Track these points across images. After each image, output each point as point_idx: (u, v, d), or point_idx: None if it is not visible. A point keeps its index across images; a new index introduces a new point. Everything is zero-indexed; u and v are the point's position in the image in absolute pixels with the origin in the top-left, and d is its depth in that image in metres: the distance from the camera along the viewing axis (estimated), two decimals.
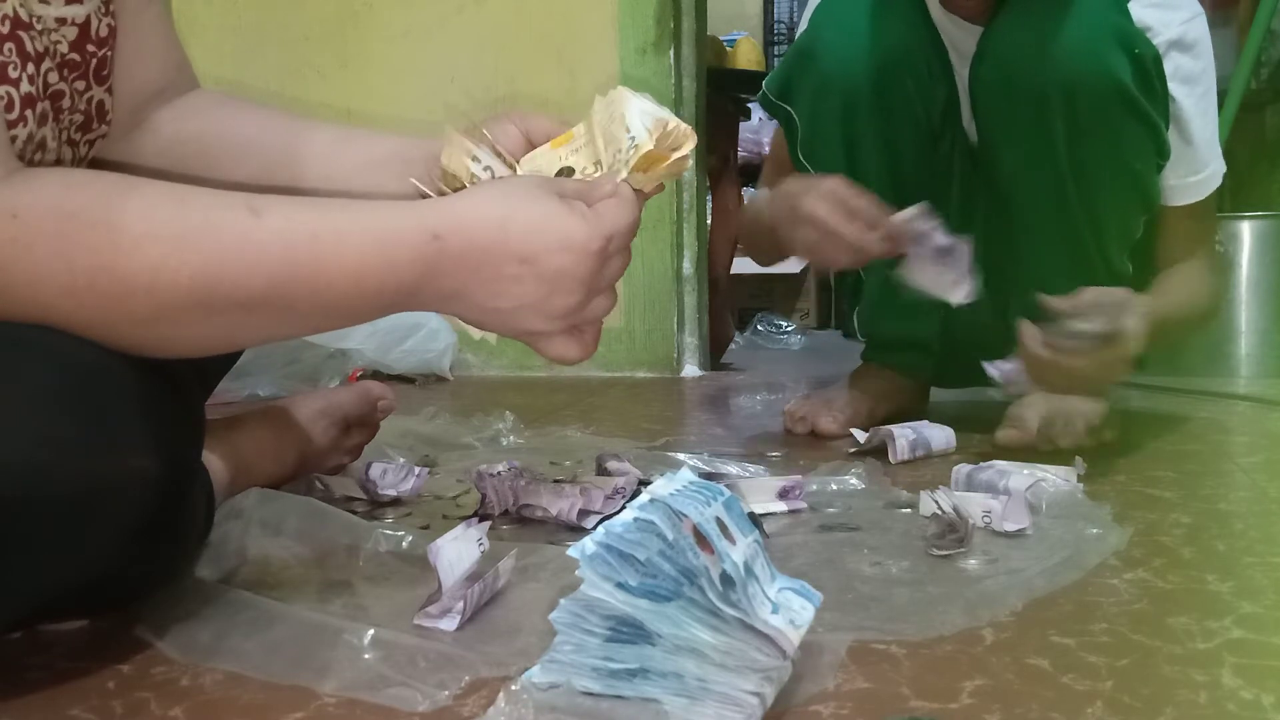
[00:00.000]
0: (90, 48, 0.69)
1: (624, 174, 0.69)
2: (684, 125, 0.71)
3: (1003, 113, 1.22)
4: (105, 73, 0.71)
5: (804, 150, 1.31)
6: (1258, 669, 0.58)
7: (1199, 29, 1.21)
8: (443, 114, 2.19)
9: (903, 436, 1.16)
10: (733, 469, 1.06)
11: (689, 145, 0.71)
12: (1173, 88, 1.19)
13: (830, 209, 1.11)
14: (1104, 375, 1.10)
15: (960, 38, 1.25)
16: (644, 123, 0.70)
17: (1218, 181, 1.26)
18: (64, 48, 0.66)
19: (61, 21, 0.66)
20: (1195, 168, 1.24)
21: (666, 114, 0.71)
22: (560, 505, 0.89)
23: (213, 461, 0.81)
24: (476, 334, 0.71)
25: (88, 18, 0.68)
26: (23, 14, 0.61)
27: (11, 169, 0.56)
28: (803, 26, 1.35)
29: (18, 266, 0.54)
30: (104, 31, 0.70)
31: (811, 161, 1.31)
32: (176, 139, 0.78)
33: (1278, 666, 0.59)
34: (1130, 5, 1.18)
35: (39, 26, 0.63)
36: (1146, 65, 1.16)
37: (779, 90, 1.32)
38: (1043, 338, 1.06)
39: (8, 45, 0.60)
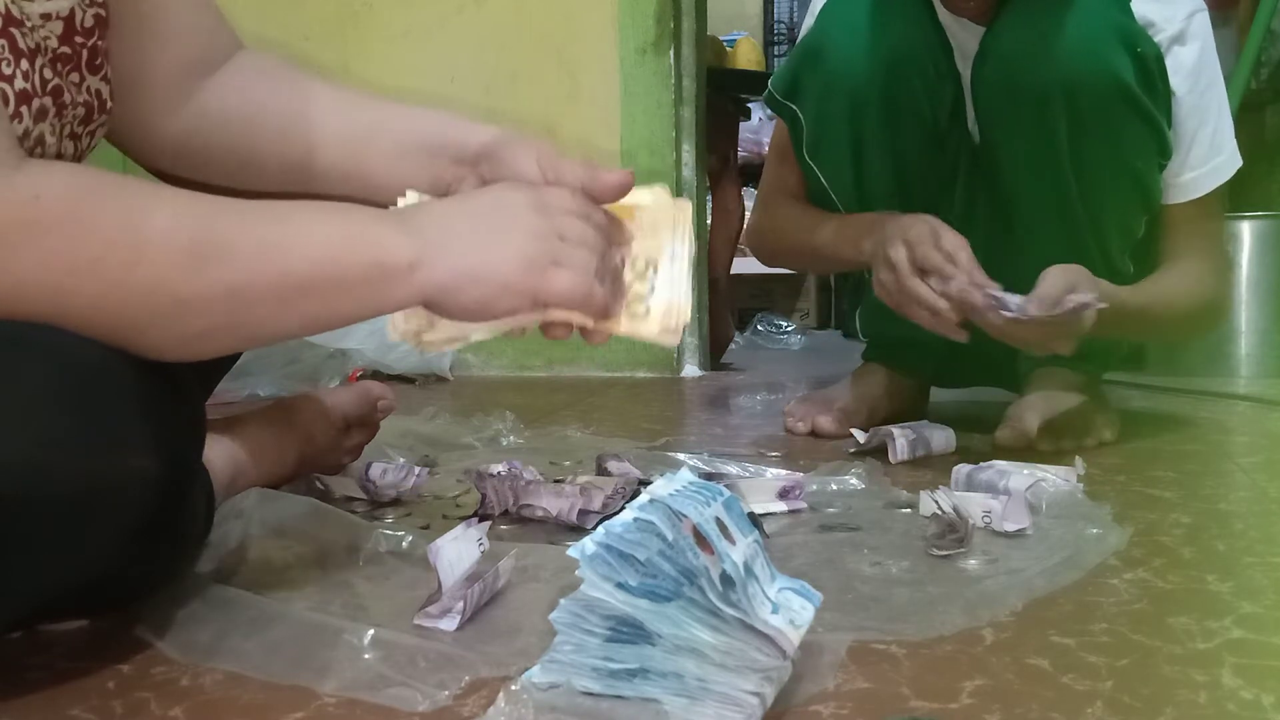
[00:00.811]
0: (78, 39, 0.68)
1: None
2: (685, 315, 0.71)
3: (1004, 112, 1.22)
4: (98, 62, 0.71)
5: (810, 149, 1.31)
6: (1258, 669, 0.58)
7: (1201, 24, 1.20)
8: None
9: (903, 436, 1.16)
10: (733, 469, 1.06)
11: (674, 339, 0.72)
12: (1175, 83, 1.19)
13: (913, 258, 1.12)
14: (1048, 340, 1.09)
15: (964, 38, 1.25)
16: (670, 282, 0.72)
17: (1220, 178, 1.25)
18: (53, 43, 0.66)
19: (46, 17, 0.65)
20: (1191, 165, 1.24)
21: (686, 286, 0.72)
22: (560, 505, 0.89)
23: (213, 461, 0.81)
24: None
25: (71, 10, 0.67)
26: (14, 11, 0.61)
27: (23, 158, 0.57)
28: (806, 26, 1.35)
29: (33, 247, 0.54)
30: (89, 22, 0.69)
31: (817, 161, 1.31)
32: (222, 119, 0.80)
33: (1278, 666, 0.59)
34: (1133, 1, 1.18)
35: (29, 24, 0.63)
36: (1148, 64, 1.16)
37: (785, 89, 1.32)
38: (998, 316, 1.07)
39: (0, 42, 0.60)
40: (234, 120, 0.80)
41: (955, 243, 1.12)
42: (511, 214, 0.67)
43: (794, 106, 1.31)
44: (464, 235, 0.65)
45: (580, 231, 0.68)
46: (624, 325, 0.70)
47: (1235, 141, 1.26)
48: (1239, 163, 1.26)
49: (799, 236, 1.36)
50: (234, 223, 0.60)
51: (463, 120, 0.81)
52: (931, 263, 1.11)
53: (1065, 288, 1.07)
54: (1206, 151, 1.24)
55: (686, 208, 0.75)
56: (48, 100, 0.64)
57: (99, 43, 0.71)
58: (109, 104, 0.72)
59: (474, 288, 0.64)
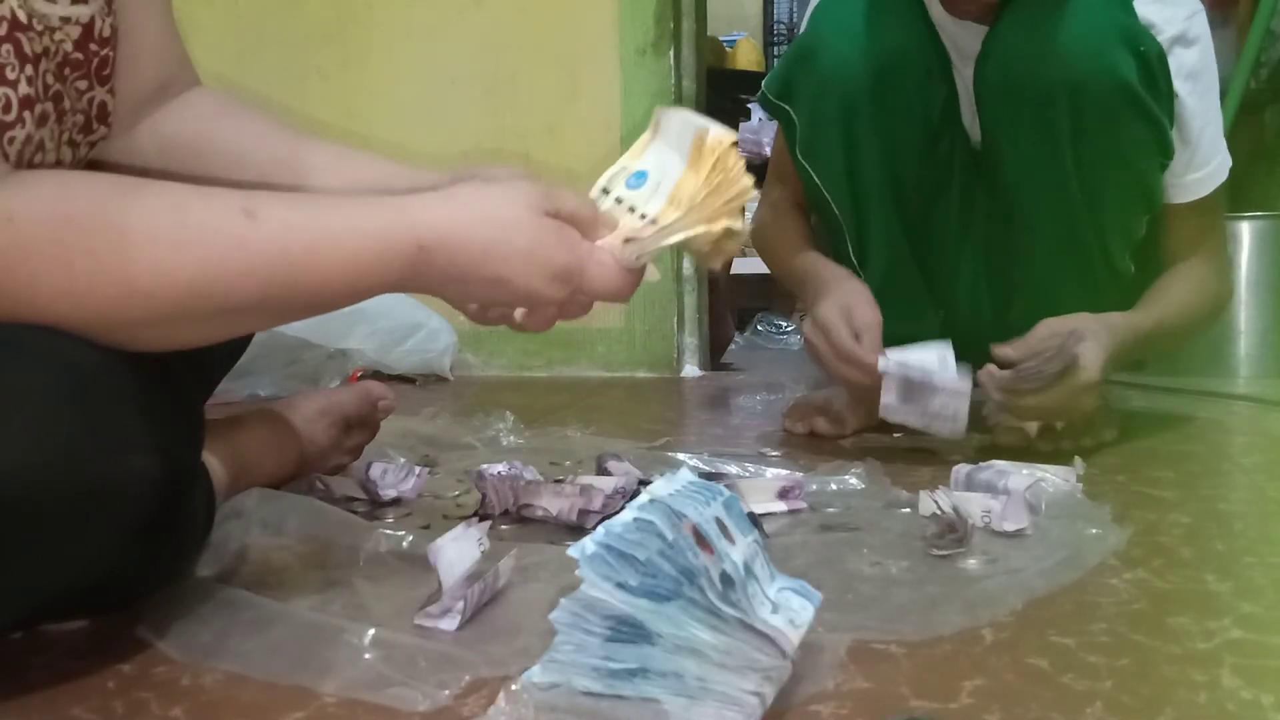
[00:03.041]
0: (93, 47, 0.69)
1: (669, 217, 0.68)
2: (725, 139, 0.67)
3: (1007, 112, 1.22)
4: (107, 73, 0.71)
5: (803, 150, 1.31)
6: (1257, 669, 0.58)
7: (1200, 25, 1.21)
8: (443, 114, 2.20)
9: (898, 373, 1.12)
10: (733, 469, 1.06)
11: (740, 187, 0.67)
12: (1175, 85, 1.19)
13: (828, 339, 1.16)
14: (1069, 404, 1.11)
15: (962, 37, 1.25)
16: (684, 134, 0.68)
17: (1221, 178, 1.26)
18: (68, 46, 0.66)
19: (66, 20, 0.66)
20: (1196, 165, 1.24)
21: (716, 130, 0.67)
22: (560, 505, 0.89)
23: (213, 461, 0.81)
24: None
25: (92, 18, 0.68)
26: (21, 15, 0.61)
27: (3, 172, 0.56)
28: (804, 28, 1.35)
29: (17, 270, 0.54)
30: (107, 32, 0.70)
31: (810, 161, 1.31)
32: (173, 142, 0.79)
33: (1277, 666, 0.59)
34: (1134, 2, 1.18)
35: (39, 27, 0.63)
36: (1151, 63, 1.16)
37: (778, 90, 1.32)
38: (1000, 382, 1.09)
39: (5, 47, 0.60)
40: (187, 144, 0.79)
41: (866, 322, 1.15)
42: (531, 288, 0.65)
43: (787, 107, 1.31)
44: (472, 295, 0.68)
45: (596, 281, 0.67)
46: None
47: (1224, 143, 1.27)
48: (1230, 162, 1.27)
49: (776, 261, 1.40)
50: (236, 271, 0.58)
51: (424, 169, 0.80)
52: (844, 348, 1.14)
53: (1048, 336, 1.09)
54: (1210, 151, 1.24)
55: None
56: (49, 106, 0.64)
57: (110, 53, 0.71)
58: (110, 116, 0.72)
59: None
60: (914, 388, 1.12)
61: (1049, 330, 1.11)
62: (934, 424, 1.12)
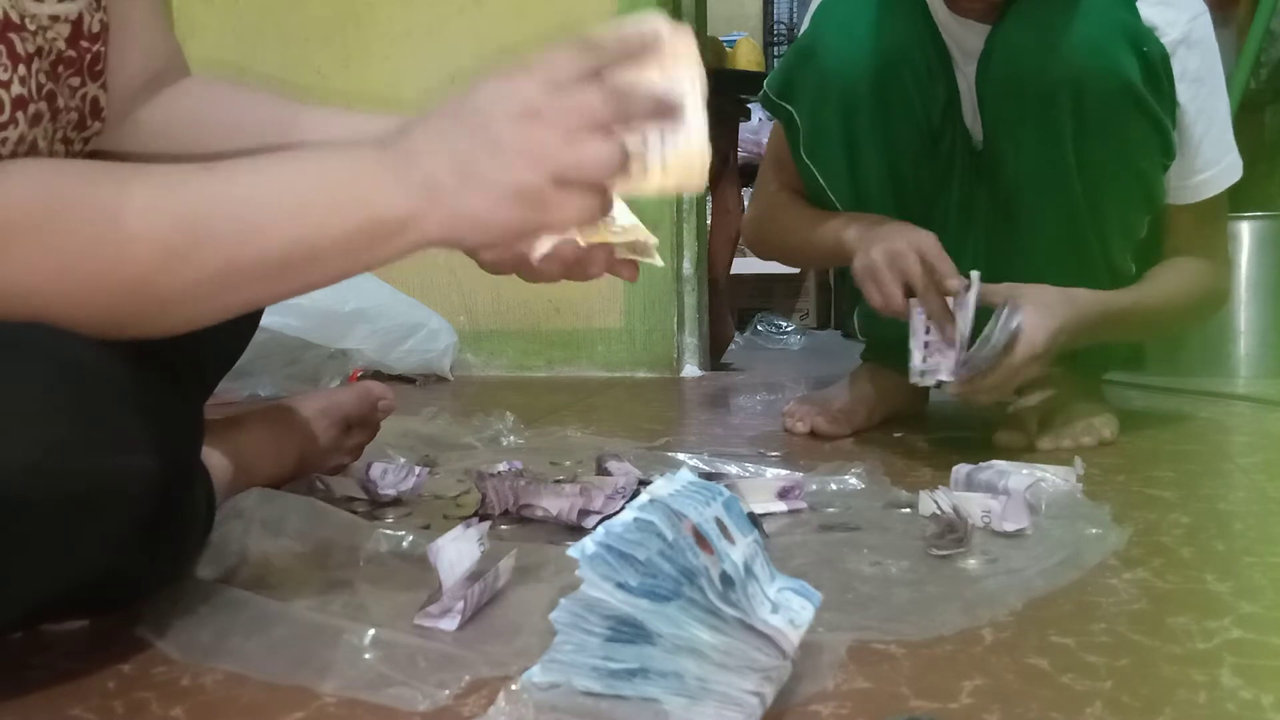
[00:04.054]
0: (84, 43, 0.69)
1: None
2: (651, 240, 0.70)
3: (1009, 110, 1.22)
4: (99, 68, 0.71)
5: (805, 149, 1.31)
6: (1257, 669, 0.58)
7: (1204, 28, 1.20)
8: None
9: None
10: (733, 469, 1.06)
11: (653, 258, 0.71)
12: (1180, 86, 1.19)
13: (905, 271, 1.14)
14: (1018, 375, 1.10)
15: (965, 36, 1.25)
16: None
17: (1230, 180, 1.26)
18: (61, 44, 0.66)
19: (55, 19, 0.66)
20: (1199, 168, 1.24)
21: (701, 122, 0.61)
22: (560, 505, 0.89)
23: (213, 461, 0.81)
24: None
25: (80, 14, 0.68)
26: (13, 16, 0.61)
27: None
28: (806, 27, 1.35)
29: (6, 252, 0.54)
30: (96, 27, 0.70)
31: (813, 160, 1.31)
32: (166, 125, 0.78)
33: (1277, 666, 0.59)
34: (1137, 4, 1.18)
35: (31, 27, 0.63)
36: (1154, 63, 1.16)
37: (780, 89, 1.32)
38: (960, 382, 1.09)
39: None
40: (180, 124, 0.78)
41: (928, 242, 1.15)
42: (499, 132, 0.58)
43: (789, 106, 1.31)
44: (455, 171, 0.59)
45: (585, 107, 0.58)
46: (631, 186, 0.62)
47: (1234, 146, 1.26)
48: (1240, 164, 1.27)
49: (800, 234, 1.36)
50: (211, 207, 0.58)
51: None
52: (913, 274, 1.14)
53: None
54: (1215, 153, 1.24)
55: (685, 31, 0.62)
56: (43, 105, 0.64)
57: (101, 48, 0.71)
58: (103, 111, 0.72)
59: (476, 234, 0.60)
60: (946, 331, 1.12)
61: (986, 292, 1.11)
62: (929, 359, 1.13)
